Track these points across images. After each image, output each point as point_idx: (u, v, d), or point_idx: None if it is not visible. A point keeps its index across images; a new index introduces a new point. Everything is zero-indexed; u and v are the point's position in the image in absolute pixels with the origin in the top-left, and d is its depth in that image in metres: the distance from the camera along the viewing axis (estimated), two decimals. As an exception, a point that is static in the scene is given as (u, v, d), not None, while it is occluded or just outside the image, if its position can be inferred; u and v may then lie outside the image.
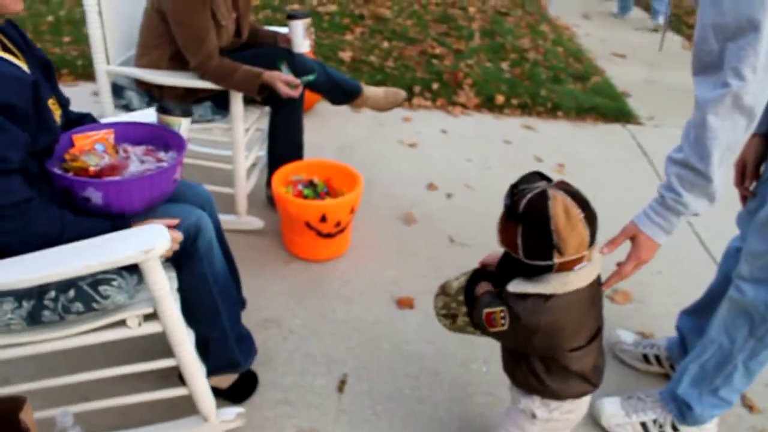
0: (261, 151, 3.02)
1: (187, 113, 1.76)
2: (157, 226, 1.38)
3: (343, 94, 2.72)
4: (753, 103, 1.32)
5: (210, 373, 1.72)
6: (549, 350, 1.40)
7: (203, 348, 1.71)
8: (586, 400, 1.50)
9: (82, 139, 1.64)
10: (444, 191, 3.16)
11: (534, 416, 1.49)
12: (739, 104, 1.33)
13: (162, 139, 1.71)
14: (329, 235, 2.47)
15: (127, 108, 2.46)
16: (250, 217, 2.70)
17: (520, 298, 1.33)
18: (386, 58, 4.77)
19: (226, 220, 2.66)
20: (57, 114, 1.55)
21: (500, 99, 4.21)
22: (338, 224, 2.45)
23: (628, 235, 1.59)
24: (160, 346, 1.66)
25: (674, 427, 1.89)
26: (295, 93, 2.35)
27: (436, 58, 4.85)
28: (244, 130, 2.47)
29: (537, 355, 1.42)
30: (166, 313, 1.47)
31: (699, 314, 2.00)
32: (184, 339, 1.53)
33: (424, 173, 3.30)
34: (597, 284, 1.40)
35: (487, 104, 4.21)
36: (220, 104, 2.47)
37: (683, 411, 1.85)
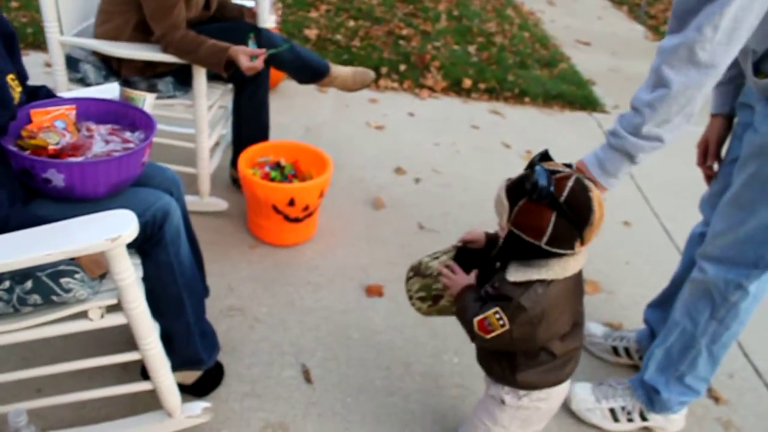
0: (224, 130, 2.91)
1: (152, 88, 1.65)
2: (125, 211, 1.29)
3: (310, 72, 2.63)
4: (709, 60, 1.32)
5: (173, 369, 1.63)
6: (548, 340, 1.35)
7: (167, 341, 1.62)
8: (559, 391, 1.47)
9: (40, 115, 1.53)
10: (412, 175, 3.10)
11: (503, 402, 1.47)
12: (694, 58, 1.32)
13: (128, 118, 1.60)
14: (297, 220, 2.39)
15: (83, 82, 2.32)
16: (214, 198, 2.59)
17: (521, 287, 1.28)
18: (353, 38, 4.66)
19: (188, 200, 2.55)
20: (17, 91, 1.43)
21: (467, 83, 4.16)
22: (306, 208, 2.37)
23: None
24: (122, 336, 1.57)
25: (642, 416, 1.90)
26: (257, 65, 2.23)
27: (403, 39, 4.76)
28: (207, 108, 2.36)
29: (520, 353, 1.39)
30: (131, 305, 1.37)
31: (665, 305, 2.00)
32: (150, 331, 1.45)
33: (392, 157, 3.23)
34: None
35: (455, 88, 4.15)
36: (182, 80, 2.35)
37: (651, 397, 1.86)
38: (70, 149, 1.47)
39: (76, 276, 1.34)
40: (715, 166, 1.85)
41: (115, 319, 1.43)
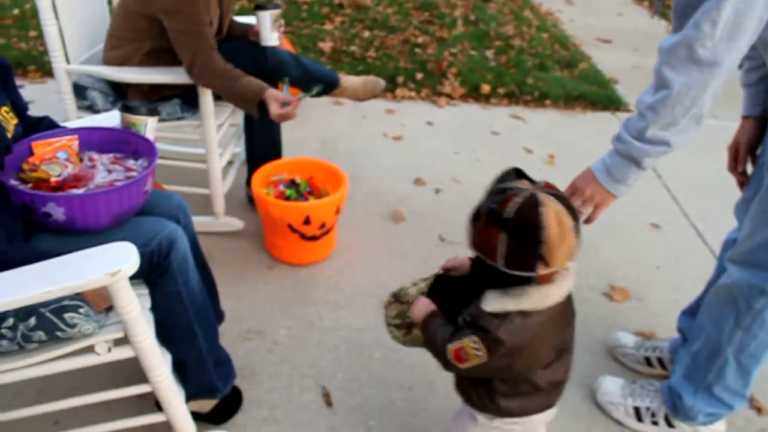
0: (238, 148, 2.89)
1: (153, 112, 1.61)
2: (125, 243, 1.25)
3: (310, 87, 2.60)
4: (710, 57, 1.26)
5: (188, 398, 1.59)
6: (527, 370, 1.28)
7: (180, 371, 1.59)
8: (540, 418, 1.38)
9: (42, 147, 1.51)
10: (432, 186, 3.04)
11: (475, 419, 1.39)
12: (693, 56, 1.27)
13: (131, 145, 1.58)
14: (314, 238, 2.35)
15: (91, 109, 2.31)
16: (229, 218, 2.56)
17: (498, 318, 1.19)
18: (368, 48, 4.62)
19: (203, 221, 2.54)
20: (11, 124, 1.41)
21: (486, 88, 4.09)
22: (323, 226, 2.33)
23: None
24: (138, 365, 1.53)
25: (668, 422, 1.83)
26: (288, 112, 2.17)
27: (419, 46, 4.71)
28: (217, 127, 2.33)
29: (492, 381, 1.31)
30: (137, 338, 1.34)
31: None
32: (159, 364, 1.41)
33: (411, 167, 3.18)
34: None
35: (473, 94, 4.08)
36: (189, 101, 2.33)
37: (675, 402, 1.80)
38: (72, 180, 1.44)
39: (81, 311, 1.31)
40: (749, 169, 1.76)
41: (123, 353, 1.39)
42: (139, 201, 1.42)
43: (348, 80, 2.62)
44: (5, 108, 1.40)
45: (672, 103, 1.31)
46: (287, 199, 2.43)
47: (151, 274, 1.46)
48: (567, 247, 1.14)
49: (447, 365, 1.29)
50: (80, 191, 1.41)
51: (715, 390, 1.71)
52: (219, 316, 1.94)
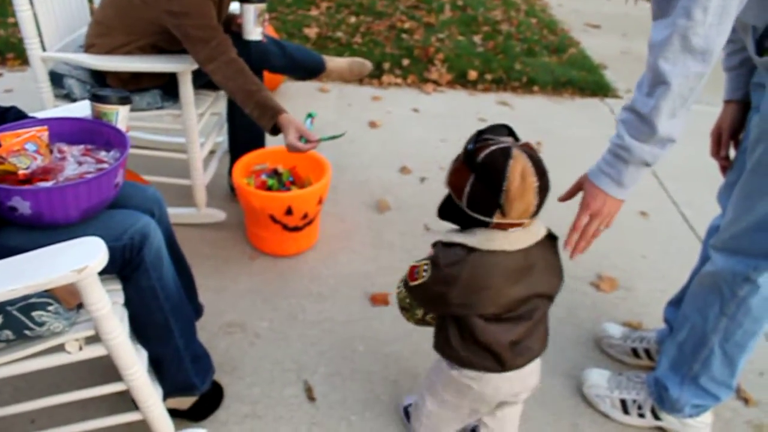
0: (220, 137, 2.83)
1: (125, 100, 1.55)
2: (92, 238, 1.20)
3: (306, 71, 2.55)
4: (704, 45, 1.21)
5: (165, 395, 1.56)
6: (463, 308, 1.33)
7: (156, 368, 1.55)
8: (493, 380, 1.41)
9: (9, 138, 1.45)
10: (417, 174, 3.00)
11: (441, 369, 1.48)
12: (688, 46, 1.22)
13: (102, 136, 1.52)
14: (296, 229, 2.30)
15: (68, 97, 2.24)
16: (211, 209, 2.52)
17: (446, 247, 1.32)
18: (354, 34, 4.56)
19: (184, 213, 2.50)
20: None
21: (473, 74, 4.04)
22: (305, 216, 2.29)
23: (578, 183, 1.51)
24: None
25: (655, 414, 1.81)
26: (302, 147, 2.09)
27: (406, 32, 4.65)
28: (198, 117, 2.27)
29: (452, 316, 1.38)
30: (108, 336, 1.29)
31: None
32: (132, 363, 1.36)
33: (396, 156, 3.13)
34: (539, 257, 1.33)
35: (460, 80, 4.04)
36: (170, 92, 2.26)
37: (661, 394, 1.78)
38: (41, 173, 1.39)
39: (50, 308, 1.26)
40: (732, 154, 1.73)
41: (95, 351, 1.35)
42: (109, 194, 1.38)
43: (334, 62, 2.58)
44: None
45: (673, 97, 1.26)
46: (269, 189, 2.39)
47: (124, 269, 1.41)
48: (525, 203, 1.23)
49: (405, 283, 1.42)
50: (49, 184, 1.36)
51: (701, 381, 1.69)
52: (197, 310, 1.90)
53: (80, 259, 1.15)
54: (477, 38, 4.68)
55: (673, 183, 3.08)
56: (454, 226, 1.38)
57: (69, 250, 1.18)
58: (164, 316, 1.49)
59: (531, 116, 3.66)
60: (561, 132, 3.50)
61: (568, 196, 1.53)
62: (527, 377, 1.45)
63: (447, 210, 1.34)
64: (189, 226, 2.50)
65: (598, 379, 1.90)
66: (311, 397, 1.84)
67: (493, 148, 1.23)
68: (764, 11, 1.35)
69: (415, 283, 1.36)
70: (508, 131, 1.31)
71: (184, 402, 1.69)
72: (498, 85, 4.03)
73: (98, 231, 1.35)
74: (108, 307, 1.25)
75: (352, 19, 4.83)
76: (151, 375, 1.55)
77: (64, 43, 2.32)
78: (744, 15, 1.28)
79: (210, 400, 1.76)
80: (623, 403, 1.84)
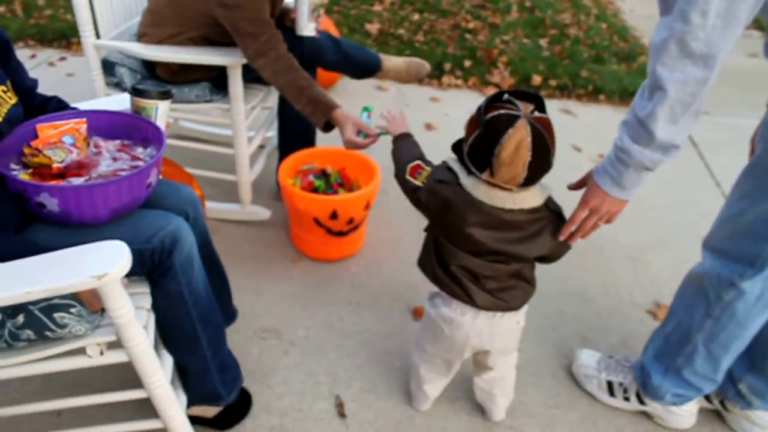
0: (270, 132, 2.78)
1: (165, 95, 1.49)
2: (116, 242, 1.14)
3: (360, 69, 2.46)
4: (705, 50, 1.15)
5: (190, 403, 1.50)
6: (440, 225, 1.46)
7: (182, 374, 1.49)
8: (462, 323, 1.50)
9: (47, 129, 1.42)
10: (471, 182, 2.88)
11: (427, 312, 1.60)
12: (687, 51, 1.16)
13: (140, 131, 1.47)
14: (341, 233, 2.22)
15: (119, 86, 2.22)
16: (256, 207, 2.46)
17: (446, 168, 1.43)
18: (416, 32, 4.45)
19: (228, 209, 2.45)
20: (8, 104, 1.31)
21: (537, 79, 3.89)
22: (351, 221, 2.20)
23: (585, 177, 1.51)
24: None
25: (640, 398, 1.81)
26: (361, 143, 1.97)
27: (470, 32, 4.51)
28: (247, 112, 2.22)
29: (432, 235, 1.52)
30: (131, 343, 1.24)
31: None
32: (154, 371, 1.31)
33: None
34: (527, 223, 1.39)
35: (523, 84, 3.89)
36: (219, 85, 2.21)
37: (645, 380, 1.77)
38: (75, 168, 1.35)
39: (72, 310, 1.21)
40: None
41: (117, 357, 1.30)
42: (141, 195, 1.32)
43: (391, 62, 2.48)
44: (2, 87, 1.31)
45: (670, 103, 1.21)
46: (315, 190, 2.31)
47: (152, 272, 1.36)
48: (512, 171, 1.29)
49: (399, 172, 1.53)
50: (81, 180, 1.31)
51: (684, 373, 1.68)
52: (231, 315, 1.84)
53: (101, 265, 1.09)
54: (543, 42, 4.50)
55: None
56: None
57: (90, 255, 1.12)
58: (191, 323, 1.43)
59: (595, 127, 3.48)
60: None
61: (576, 186, 1.54)
62: (496, 337, 1.52)
63: (457, 147, 1.44)
64: (232, 222, 2.46)
65: (587, 359, 1.92)
66: (342, 414, 1.76)
67: (502, 111, 1.28)
68: None
69: (411, 180, 1.48)
70: (537, 101, 1.34)
71: (209, 410, 1.63)
72: (562, 92, 3.87)
73: (128, 232, 1.30)
74: (131, 313, 1.20)
75: (416, 17, 4.72)
76: (176, 382, 1.50)
77: (119, 30, 2.30)
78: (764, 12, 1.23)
79: (236, 410, 1.70)
80: (609, 384, 1.85)
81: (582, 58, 4.28)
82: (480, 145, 1.31)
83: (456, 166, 1.41)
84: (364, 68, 2.47)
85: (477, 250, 1.41)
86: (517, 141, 1.26)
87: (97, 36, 2.20)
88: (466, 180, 1.37)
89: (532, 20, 4.89)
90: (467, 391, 1.83)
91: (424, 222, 1.54)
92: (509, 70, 3.98)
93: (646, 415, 1.82)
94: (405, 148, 1.61)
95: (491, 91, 3.79)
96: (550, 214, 1.42)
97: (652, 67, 1.23)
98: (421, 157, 1.54)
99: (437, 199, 1.41)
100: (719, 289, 1.52)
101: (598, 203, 1.43)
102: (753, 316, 1.53)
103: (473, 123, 1.35)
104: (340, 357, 1.94)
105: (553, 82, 3.90)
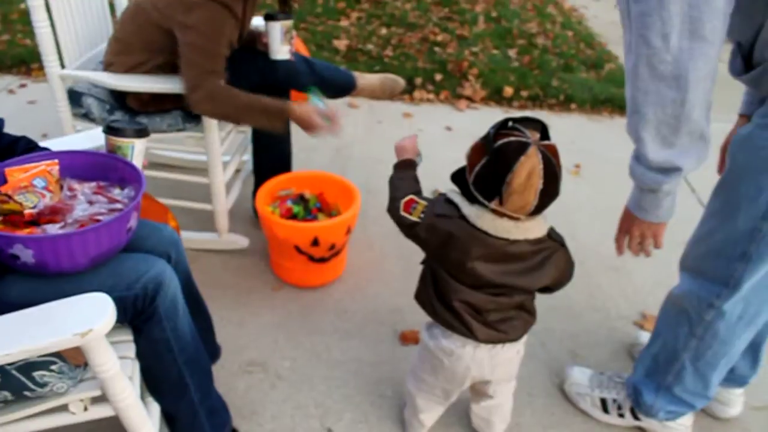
0: (246, 156, 2.72)
1: (141, 133, 1.44)
2: (99, 295, 1.09)
3: (336, 89, 2.43)
4: (674, 71, 1.13)
5: (178, 450, 1.44)
6: (436, 256, 1.43)
7: (169, 421, 1.43)
8: (462, 355, 1.46)
9: (17, 173, 1.34)
10: (450, 199, 2.85)
11: (423, 340, 1.55)
12: (657, 74, 1.14)
13: (116, 171, 1.41)
14: (323, 260, 2.18)
15: (87, 117, 2.15)
16: (233, 236, 2.40)
17: (446, 202, 1.38)
18: (385, 46, 4.43)
19: (205, 238, 2.38)
20: None
21: (509, 91, 3.89)
22: (333, 247, 2.16)
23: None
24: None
25: (634, 414, 1.80)
26: (332, 128, 1.98)
27: (439, 45, 4.51)
28: (221, 139, 2.16)
29: (431, 267, 1.46)
30: (116, 398, 1.18)
31: None
32: (143, 423, 1.25)
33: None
34: (532, 253, 1.36)
35: (495, 97, 3.89)
36: (192, 113, 2.15)
37: (637, 398, 1.77)
38: (48, 213, 1.28)
39: (53, 367, 1.15)
40: None
41: (102, 411, 1.24)
42: (121, 240, 1.26)
43: (365, 79, 2.46)
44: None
45: (654, 125, 1.20)
46: (294, 216, 2.26)
47: (136, 319, 1.30)
48: (524, 200, 1.26)
49: (393, 208, 1.48)
50: (56, 227, 1.25)
51: (675, 391, 1.67)
52: (214, 352, 1.78)
53: (84, 321, 1.03)
54: (512, 52, 4.52)
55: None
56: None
57: (71, 310, 1.06)
58: (178, 370, 1.37)
59: (569, 136, 3.50)
60: (601, 153, 3.33)
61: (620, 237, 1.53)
62: (496, 367, 1.49)
63: (458, 177, 1.39)
64: (209, 252, 2.39)
65: (579, 376, 1.90)
66: (335, 449, 1.72)
67: (512, 139, 1.25)
68: (747, 26, 1.27)
69: (407, 216, 1.43)
70: (541, 127, 1.30)
71: (197, 456, 1.57)
72: (534, 103, 3.88)
73: (108, 279, 1.25)
74: (116, 367, 1.14)
75: (383, 31, 4.71)
76: (164, 430, 1.43)
77: (84, 59, 2.23)
78: (730, 33, 1.20)
79: (226, 452, 1.64)
80: (603, 402, 1.83)
81: (551, 68, 4.30)
82: (489, 174, 1.27)
83: (456, 198, 1.37)
84: (339, 88, 2.43)
85: (480, 284, 1.38)
86: (530, 168, 1.23)
87: (62, 65, 2.12)
88: (469, 210, 1.33)
89: (500, 31, 4.91)
90: (462, 416, 1.80)
91: (405, 243, 1.51)
92: (480, 82, 3.98)
93: (642, 430, 1.81)
94: (403, 180, 1.54)
95: (463, 104, 3.79)
96: (553, 244, 1.39)
97: (628, 93, 1.22)
98: (417, 192, 1.48)
99: (438, 234, 1.37)
100: (699, 309, 1.52)
101: (628, 225, 1.44)
102: (737, 334, 1.54)
103: (479, 151, 1.30)
104: (329, 388, 1.89)
105: (524, 93, 3.91)
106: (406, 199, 1.45)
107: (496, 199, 1.27)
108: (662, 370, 1.67)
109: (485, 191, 1.29)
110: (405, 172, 1.57)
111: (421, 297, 1.52)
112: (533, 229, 1.34)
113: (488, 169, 1.27)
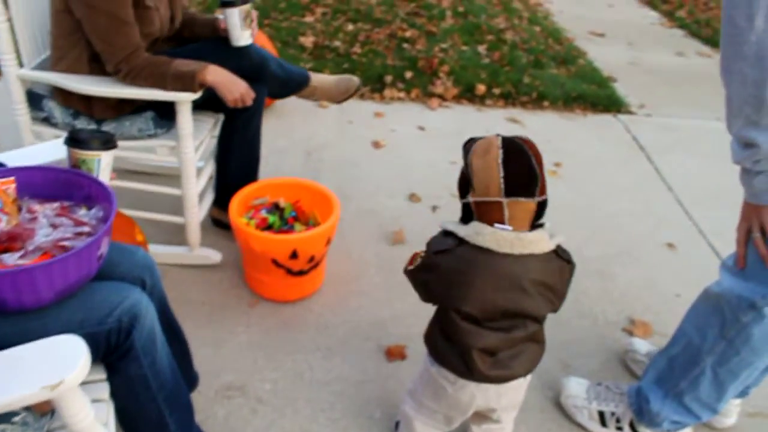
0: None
1: (108, 144, 1.30)
2: (69, 338, 0.95)
3: (286, 87, 2.33)
4: (757, 52, 1.18)
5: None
6: (442, 299, 1.38)
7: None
8: (468, 388, 1.40)
9: (-32, 194, 1.20)
10: (428, 203, 2.76)
11: (426, 368, 1.49)
12: (741, 54, 1.21)
13: (82, 189, 1.27)
14: (301, 273, 2.06)
15: (48, 122, 1.98)
16: (205, 250, 2.25)
17: (444, 235, 1.35)
18: (352, 43, 4.30)
19: (175, 252, 2.24)
20: None
21: (481, 88, 3.81)
22: (312, 259, 2.04)
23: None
24: None
25: (633, 427, 1.75)
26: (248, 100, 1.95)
27: (407, 41, 4.40)
28: (195, 148, 2.02)
29: (438, 308, 1.42)
30: (90, 449, 1.05)
31: None
32: (119, 473, 1.12)
33: (404, 181, 2.89)
34: (538, 273, 1.29)
35: (467, 94, 3.80)
36: (165, 114, 2.00)
37: (642, 406, 1.71)
38: (6, 240, 1.14)
39: (15, 419, 1.02)
40: None
41: (74, 462, 1.10)
42: (91, 270, 1.13)
43: (319, 79, 2.37)
44: None
45: (737, 104, 1.25)
46: (270, 226, 2.14)
47: (109, 356, 1.17)
48: (489, 176, 1.25)
49: (405, 270, 1.44)
50: (15, 256, 1.11)
51: (685, 399, 1.63)
52: (192, 381, 1.66)
53: (53, 371, 0.91)
54: (482, 48, 4.44)
55: (699, 210, 2.87)
56: None
57: (38, 358, 0.93)
58: (157, 408, 1.25)
59: (544, 135, 3.42)
60: (577, 152, 3.28)
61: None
62: (503, 395, 1.43)
63: (463, 211, 1.39)
64: (179, 266, 2.25)
65: (575, 388, 1.84)
66: (324, 479, 1.61)
67: (482, 138, 1.31)
68: None
69: (410, 267, 1.40)
70: (530, 173, 1.28)
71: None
72: (507, 100, 3.80)
73: (77, 313, 1.12)
74: (90, 417, 1.01)
75: (350, 27, 4.58)
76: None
77: (43, 57, 2.05)
78: None
79: (208, 488, 1.52)
80: (601, 415, 1.78)
81: (522, 64, 4.24)
82: (462, 172, 1.34)
83: (452, 225, 1.34)
84: (296, 83, 2.33)
85: (490, 320, 1.31)
86: (485, 144, 1.27)
87: (20, 65, 1.95)
88: (465, 231, 1.28)
89: (468, 26, 4.82)
90: (456, 440, 1.71)
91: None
92: (452, 80, 3.88)
93: (640, 443, 1.76)
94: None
95: (435, 102, 3.69)
96: (560, 260, 1.33)
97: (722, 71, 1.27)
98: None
99: (439, 273, 1.32)
100: (737, 309, 1.46)
101: (745, 215, 1.42)
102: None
103: (462, 169, 1.36)
104: (314, 411, 1.78)
105: (496, 90, 3.83)
106: (410, 256, 1.43)
107: (471, 190, 1.30)
108: (677, 375, 1.62)
109: (462, 190, 1.34)
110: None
111: (428, 339, 1.47)
112: (537, 242, 1.28)
113: (462, 171, 1.35)
